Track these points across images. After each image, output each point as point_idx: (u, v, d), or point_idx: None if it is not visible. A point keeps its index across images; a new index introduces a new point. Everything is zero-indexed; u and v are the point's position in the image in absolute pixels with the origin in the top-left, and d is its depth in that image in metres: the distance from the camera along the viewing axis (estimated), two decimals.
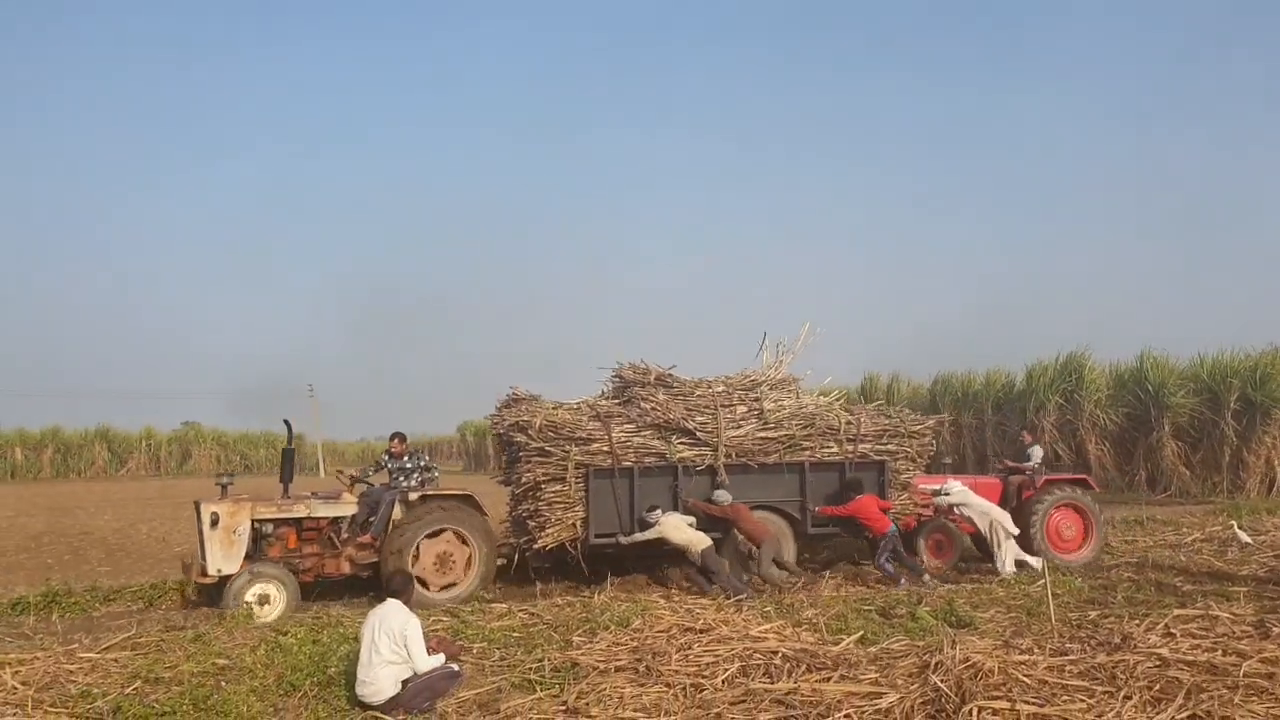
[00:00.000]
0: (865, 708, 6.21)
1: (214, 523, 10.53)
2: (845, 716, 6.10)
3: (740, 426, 12.21)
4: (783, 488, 12.34)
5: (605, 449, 11.67)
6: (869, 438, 12.48)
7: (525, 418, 11.84)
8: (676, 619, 8.83)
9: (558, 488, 11.61)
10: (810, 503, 12.27)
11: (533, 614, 9.66)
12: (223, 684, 7.38)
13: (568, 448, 11.59)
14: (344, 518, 11.34)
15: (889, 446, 12.58)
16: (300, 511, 11.13)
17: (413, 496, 11.52)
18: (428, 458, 12.77)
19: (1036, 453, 14.41)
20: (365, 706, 6.65)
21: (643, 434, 11.95)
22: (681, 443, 11.96)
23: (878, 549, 11.75)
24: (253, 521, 10.79)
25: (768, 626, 8.62)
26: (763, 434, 12.22)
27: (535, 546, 11.68)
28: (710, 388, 12.67)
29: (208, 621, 9.84)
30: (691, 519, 11.61)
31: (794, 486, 12.34)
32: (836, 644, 7.87)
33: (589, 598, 10.58)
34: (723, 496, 11.95)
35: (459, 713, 6.60)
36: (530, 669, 7.59)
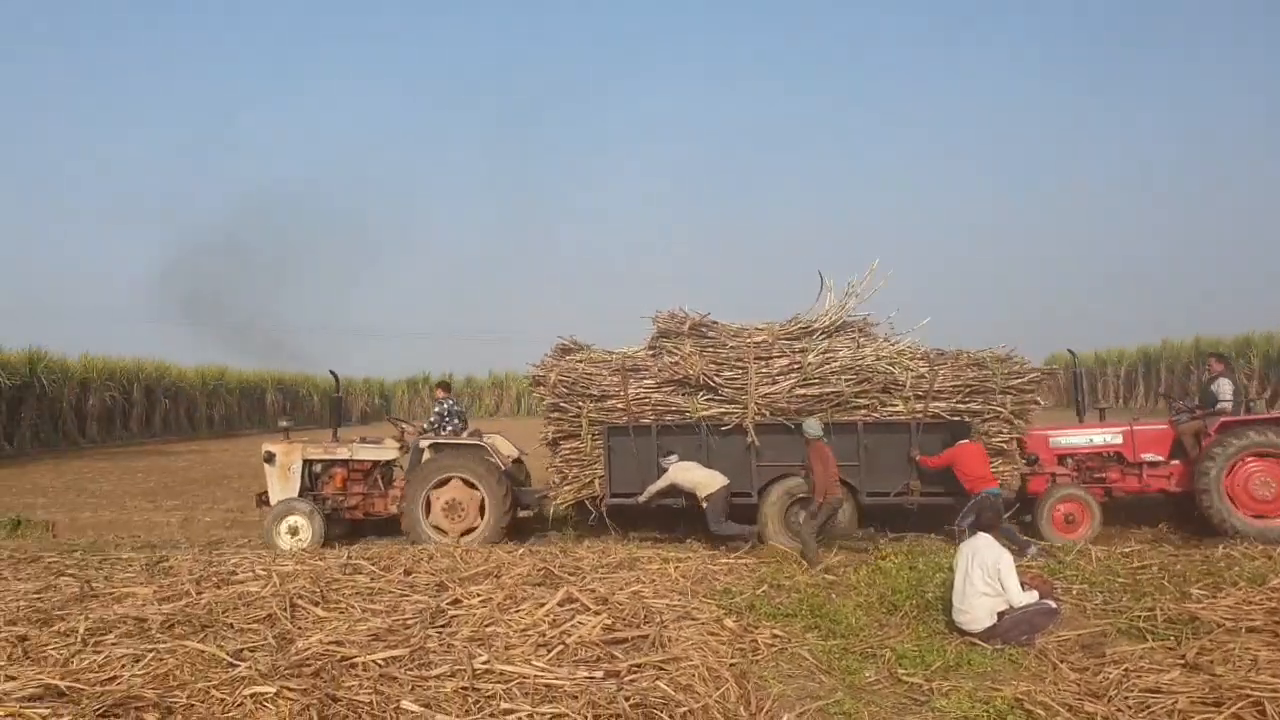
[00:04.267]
0: None
1: (270, 460, 11.83)
2: None
3: (776, 382, 10.72)
4: (836, 451, 10.27)
5: (621, 406, 10.92)
6: (945, 394, 10.57)
7: (542, 372, 11.44)
8: None
9: (574, 444, 11.20)
10: (865, 469, 10.58)
11: (1141, 563, 9.01)
12: (833, 596, 8.33)
13: (582, 404, 11.04)
14: (385, 461, 12.01)
15: (971, 405, 10.58)
16: (344, 454, 11.94)
17: (422, 444, 11.79)
18: (459, 406, 12.78)
19: (1224, 387, 11.12)
20: (962, 633, 6.95)
21: (663, 390, 11.00)
22: (708, 399, 10.81)
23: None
24: (304, 461, 11.85)
25: None
26: (803, 390, 10.69)
27: (555, 504, 11.53)
28: (749, 337, 11.09)
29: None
30: (698, 462, 10.63)
31: (850, 450, 10.58)
32: None
33: (1211, 549, 9.47)
34: (813, 428, 9.87)
35: (1059, 650, 6.54)
36: (1140, 617, 7.17)
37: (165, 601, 7.66)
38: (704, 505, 10.48)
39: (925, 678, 6.13)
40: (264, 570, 8.65)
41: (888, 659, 6.56)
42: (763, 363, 10.91)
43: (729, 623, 7.20)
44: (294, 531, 11.21)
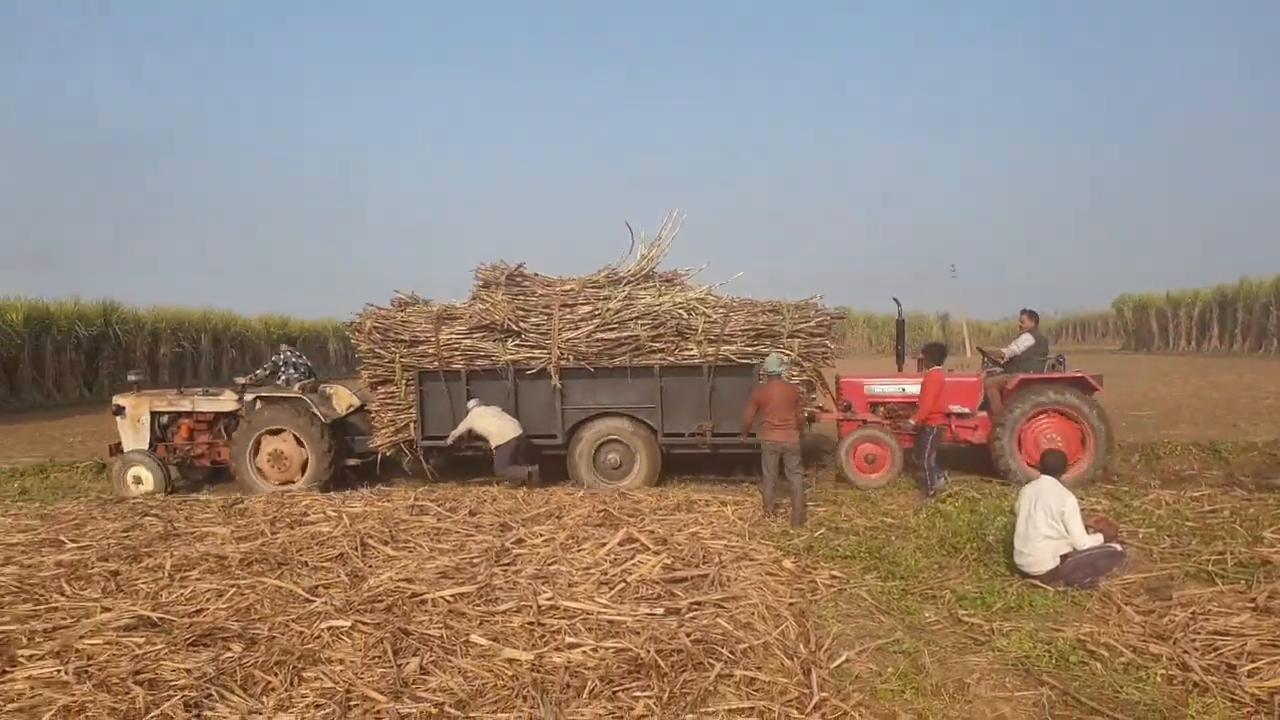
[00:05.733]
0: None
1: (120, 413, 12.15)
2: None
3: (578, 328, 11.05)
4: (636, 394, 11.11)
5: (432, 351, 11.25)
6: (735, 338, 10.81)
7: (360, 319, 11.67)
8: None
9: (389, 389, 11.53)
10: (666, 411, 11.01)
11: (1211, 508, 8.84)
12: (892, 539, 8.35)
13: (395, 349, 11.34)
14: (228, 413, 12.10)
15: (759, 348, 10.75)
16: (186, 406, 12.21)
17: (248, 397, 11.96)
18: (300, 358, 12.82)
19: (1022, 341, 11.56)
20: (1024, 575, 6.92)
21: (474, 336, 11.26)
22: (516, 345, 11.20)
23: (923, 441, 10.08)
24: (151, 413, 12.08)
25: None
26: (602, 335, 11.00)
27: (371, 446, 11.85)
28: (559, 286, 11.49)
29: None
30: (498, 409, 10.99)
31: (649, 392, 11.04)
32: None
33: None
34: (773, 364, 9.49)
35: (1124, 593, 6.48)
36: (1208, 561, 7.05)
37: (242, 541, 8.00)
38: (494, 452, 10.89)
39: (985, 618, 6.14)
40: (334, 511, 8.95)
41: (948, 600, 6.58)
42: (568, 310, 11.23)
43: (787, 563, 7.28)
44: (138, 480, 11.67)
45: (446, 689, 4.78)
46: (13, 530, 8.74)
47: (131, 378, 13.08)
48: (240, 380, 12.58)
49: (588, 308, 11.16)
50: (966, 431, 11.35)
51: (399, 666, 5.05)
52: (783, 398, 9.06)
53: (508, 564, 7.15)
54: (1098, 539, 6.81)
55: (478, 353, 11.26)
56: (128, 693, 4.71)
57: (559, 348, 10.98)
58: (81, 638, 5.48)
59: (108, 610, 6.05)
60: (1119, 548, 6.91)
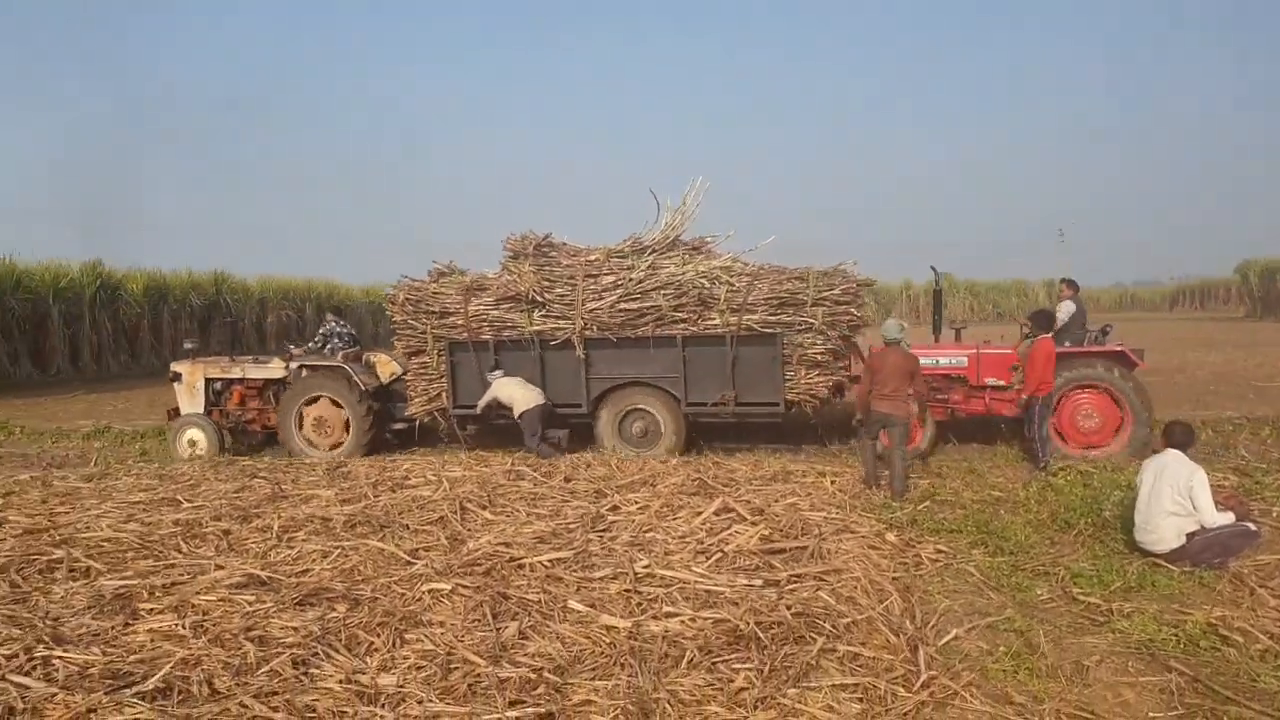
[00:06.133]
0: None
1: (177, 379, 12.61)
2: None
3: (602, 298, 10.98)
4: (660, 364, 11.09)
5: (461, 322, 11.36)
6: (758, 307, 10.56)
7: (394, 291, 11.80)
8: None
9: (422, 359, 11.71)
10: (689, 381, 10.96)
11: None
12: (1000, 513, 8.02)
13: (426, 320, 11.48)
14: (277, 379, 12.45)
15: (782, 317, 10.53)
16: (238, 373, 12.55)
17: (293, 365, 12.30)
18: (347, 328, 12.97)
19: (1065, 309, 11.09)
20: (1145, 553, 6.54)
21: (501, 307, 11.31)
22: (542, 316, 11.20)
23: (1033, 412, 9.66)
24: (205, 380, 12.47)
25: None
26: (625, 305, 10.91)
27: (408, 413, 12.05)
28: (584, 256, 11.37)
29: (976, 455, 10.68)
30: (522, 379, 11.09)
31: (672, 362, 11.00)
32: None
33: None
34: (892, 329, 9.03)
35: (1257, 575, 6.06)
36: None
37: (346, 503, 8.20)
38: (519, 421, 10.97)
39: (1104, 598, 5.83)
40: (434, 476, 9.11)
41: (1061, 577, 6.27)
42: (592, 280, 11.14)
43: (890, 537, 7.06)
44: (193, 443, 12.14)
45: (545, 654, 4.78)
46: (134, 489, 9.17)
47: (187, 345, 13.58)
48: (292, 349, 12.99)
49: (611, 278, 11.08)
50: (1001, 404, 10.94)
51: (498, 630, 5.07)
52: (897, 366, 8.70)
53: (603, 530, 7.13)
54: (1229, 517, 6.37)
55: (505, 323, 11.35)
56: (240, 648, 4.86)
57: (583, 318, 10.98)
58: (197, 594, 5.68)
59: (220, 568, 6.27)
60: (1253, 526, 6.46)
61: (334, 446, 11.88)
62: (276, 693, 4.38)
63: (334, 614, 5.34)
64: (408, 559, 6.42)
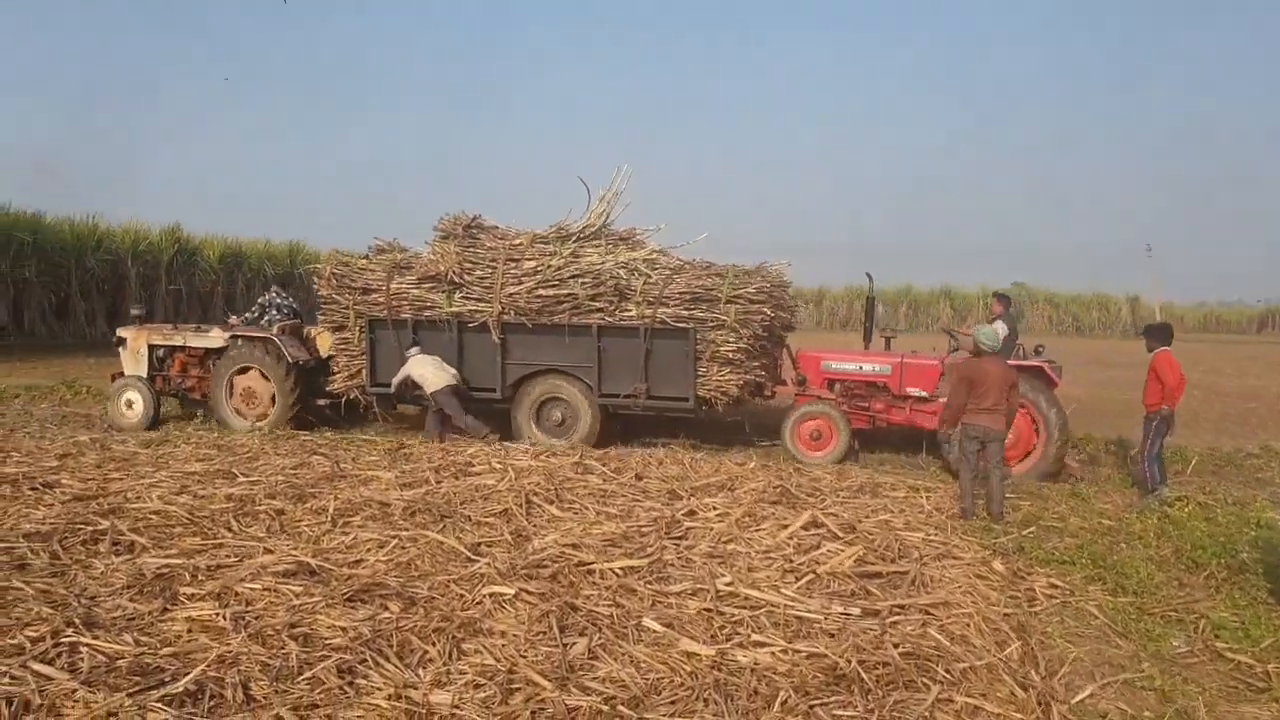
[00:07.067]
0: None
1: (121, 344, 12.63)
2: None
3: (521, 283, 10.86)
4: (576, 352, 10.99)
5: (382, 300, 11.18)
6: (672, 301, 10.50)
7: (322, 265, 11.85)
8: None
9: (345, 335, 11.60)
10: (604, 371, 10.85)
11: None
12: (1117, 545, 7.23)
13: (349, 296, 11.33)
14: (217, 348, 12.30)
15: (695, 312, 10.48)
16: (179, 341, 12.59)
17: (227, 335, 12.21)
18: (288, 300, 12.82)
19: (1000, 328, 9.96)
20: None
21: (422, 286, 11.13)
22: (461, 297, 11.03)
23: (1149, 429, 8.92)
24: (148, 346, 12.48)
25: None
26: (543, 291, 10.80)
27: (329, 389, 11.92)
28: (510, 240, 11.32)
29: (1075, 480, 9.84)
30: (438, 359, 10.96)
31: (587, 351, 10.90)
32: None
33: None
34: (987, 336, 8.23)
35: None
36: None
37: (406, 488, 7.74)
38: (430, 401, 10.87)
39: (1255, 656, 5.06)
40: (499, 464, 8.62)
41: (1200, 628, 5.51)
42: (514, 264, 11.05)
43: (997, 565, 6.35)
44: (130, 404, 12.22)
45: (617, 680, 4.21)
46: (191, 459, 8.87)
47: (134, 312, 13.64)
48: (231, 319, 13.12)
49: (533, 263, 11.03)
50: (923, 417, 10.65)
51: (565, 647, 4.53)
52: (1000, 378, 7.94)
53: (679, 537, 6.55)
54: None
55: (425, 303, 11.23)
56: (282, 647, 4.39)
57: (501, 302, 10.89)
58: (242, 580, 5.25)
59: (270, 552, 5.84)
60: None
61: (260, 418, 11.85)
62: (317, 705, 3.90)
63: (386, 614, 4.85)
64: (469, 555, 5.91)
